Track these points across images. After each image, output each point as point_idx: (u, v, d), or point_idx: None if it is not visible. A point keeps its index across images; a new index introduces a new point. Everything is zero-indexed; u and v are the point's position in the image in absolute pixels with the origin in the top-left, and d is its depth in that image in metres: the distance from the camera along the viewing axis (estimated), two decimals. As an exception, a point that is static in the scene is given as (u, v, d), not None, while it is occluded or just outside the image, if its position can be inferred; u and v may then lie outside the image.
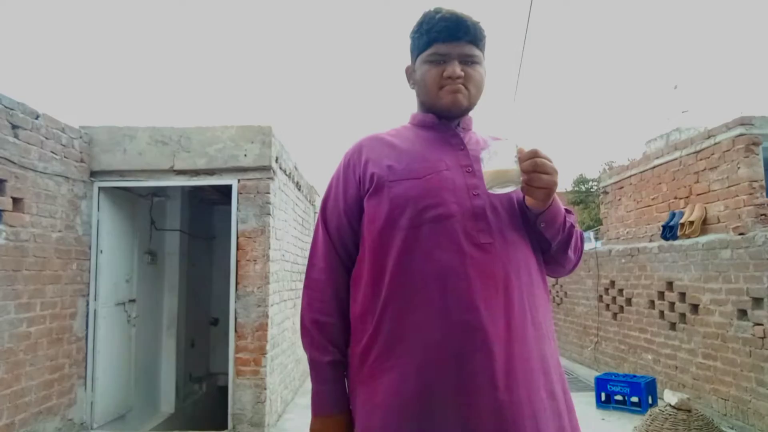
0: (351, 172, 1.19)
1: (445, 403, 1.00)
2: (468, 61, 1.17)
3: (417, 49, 1.21)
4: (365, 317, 1.10)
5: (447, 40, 1.15)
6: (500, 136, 1.26)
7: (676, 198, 5.43)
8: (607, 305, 6.28)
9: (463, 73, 1.15)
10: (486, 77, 1.22)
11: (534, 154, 1.04)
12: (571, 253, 1.20)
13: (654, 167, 5.84)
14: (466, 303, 1.02)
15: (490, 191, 1.06)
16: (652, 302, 5.29)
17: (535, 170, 1.03)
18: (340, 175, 1.22)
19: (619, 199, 6.72)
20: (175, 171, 4.22)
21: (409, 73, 1.27)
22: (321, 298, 1.17)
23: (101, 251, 4.14)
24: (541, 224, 1.12)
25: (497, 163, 1.03)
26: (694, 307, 4.65)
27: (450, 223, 1.07)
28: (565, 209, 1.17)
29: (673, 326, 4.98)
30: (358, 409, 1.11)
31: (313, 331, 1.16)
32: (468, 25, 1.16)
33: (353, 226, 1.18)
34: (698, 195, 5.04)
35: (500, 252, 1.07)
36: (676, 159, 5.37)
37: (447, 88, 1.16)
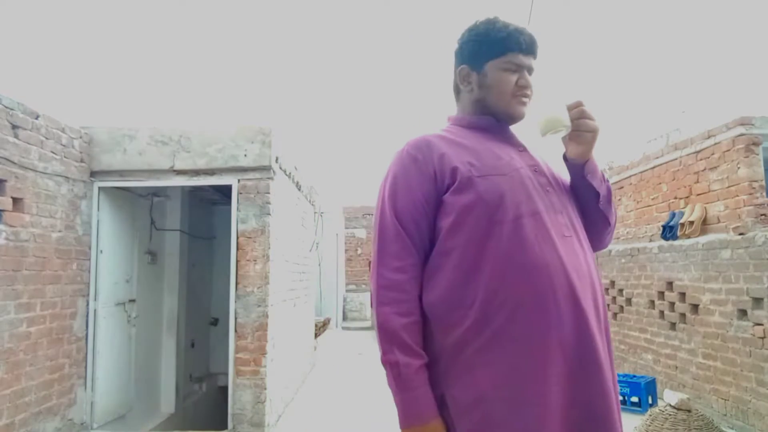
0: (423, 167, 1.19)
1: (559, 388, 1.06)
2: (532, 73, 1.27)
3: (487, 55, 1.26)
4: (456, 309, 1.11)
5: (523, 52, 1.24)
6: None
7: (676, 198, 5.43)
8: (607, 305, 6.26)
9: (530, 84, 1.26)
10: None
11: (579, 103, 1.19)
12: (613, 207, 1.31)
13: (654, 167, 5.84)
14: (573, 299, 1.10)
15: (544, 137, 1.18)
16: (652, 302, 5.29)
17: (582, 116, 1.18)
18: (408, 170, 1.20)
19: (619, 199, 6.72)
20: (175, 171, 4.22)
21: (466, 74, 1.30)
22: (406, 298, 1.14)
23: (101, 251, 4.14)
24: (587, 174, 1.23)
25: (548, 112, 1.17)
26: (694, 307, 4.65)
27: (541, 217, 1.14)
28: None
29: (673, 326, 4.98)
30: (456, 400, 1.09)
31: (404, 335, 1.11)
32: (537, 42, 1.27)
33: (430, 221, 1.18)
34: (698, 195, 5.04)
35: (577, 244, 1.18)
36: (676, 159, 5.37)
37: (519, 98, 1.25)
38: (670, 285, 4.99)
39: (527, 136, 1.33)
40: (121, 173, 4.21)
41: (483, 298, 1.09)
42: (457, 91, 1.35)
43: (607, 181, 1.29)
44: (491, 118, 1.28)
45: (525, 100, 1.25)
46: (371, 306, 1.20)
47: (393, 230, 1.18)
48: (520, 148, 1.27)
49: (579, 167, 1.23)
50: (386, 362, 1.12)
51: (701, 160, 5.01)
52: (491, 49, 1.25)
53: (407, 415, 1.09)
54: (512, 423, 1.05)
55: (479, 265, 1.11)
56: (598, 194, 1.25)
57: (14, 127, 3.33)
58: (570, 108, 1.18)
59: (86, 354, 4.01)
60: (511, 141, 1.28)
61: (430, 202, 1.18)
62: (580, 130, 1.19)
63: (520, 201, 1.14)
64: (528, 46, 1.24)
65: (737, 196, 4.50)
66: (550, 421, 1.05)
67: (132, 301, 4.62)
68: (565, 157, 1.26)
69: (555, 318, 1.08)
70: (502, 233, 1.11)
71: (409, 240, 1.17)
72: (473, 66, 1.28)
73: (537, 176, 1.21)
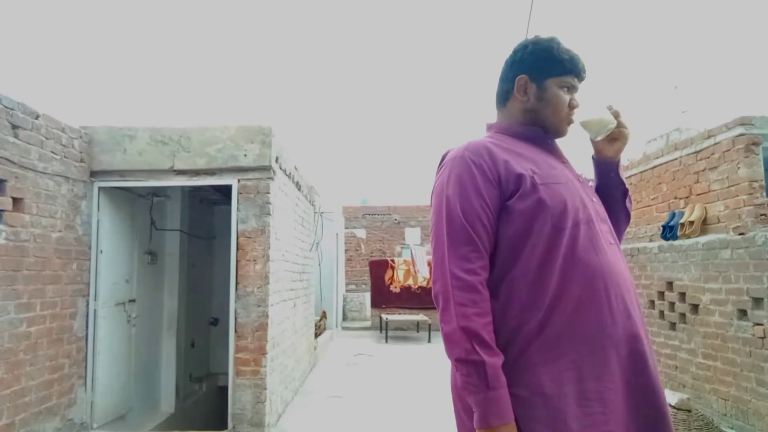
0: (487, 171, 1.24)
1: (616, 384, 1.16)
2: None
3: (549, 71, 1.34)
4: (524, 311, 1.18)
5: (579, 77, 1.37)
6: None
7: (676, 198, 5.42)
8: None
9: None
10: None
11: (618, 112, 1.36)
12: (629, 202, 1.47)
13: (654, 167, 5.84)
14: (624, 306, 1.19)
15: (595, 138, 1.38)
16: (652, 302, 5.29)
17: (620, 116, 1.36)
18: (473, 173, 1.24)
19: (619, 199, 6.71)
20: (175, 171, 4.22)
21: (524, 83, 1.37)
22: (482, 299, 1.17)
23: (101, 251, 4.14)
24: (613, 174, 1.41)
25: (596, 115, 1.35)
26: (694, 307, 4.65)
27: (594, 226, 1.24)
28: None
29: (673, 326, 4.98)
30: (518, 398, 1.14)
31: (485, 335, 1.14)
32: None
33: (494, 224, 1.23)
34: (698, 195, 5.04)
35: (618, 251, 1.28)
36: (676, 159, 5.37)
37: (568, 117, 1.37)
38: (670, 285, 4.99)
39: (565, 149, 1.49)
40: (121, 173, 4.21)
41: (549, 301, 1.16)
42: (505, 98, 1.41)
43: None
44: (540, 129, 1.37)
45: (572, 119, 1.37)
46: (438, 306, 1.21)
47: (463, 232, 1.21)
48: (564, 160, 1.37)
49: (613, 165, 1.40)
50: (470, 362, 1.13)
51: (701, 160, 5.00)
52: (555, 67, 1.34)
53: (488, 414, 1.11)
54: (576, 418, 1.12)
55: (546, 269, 1.18)
56: (626, 191, 1.43)
57: (14, 127, 3.33)
58: (615, 114, 1.35)
59: (86, 354, 4.01)
60: (556, 153, 1.37)
61: (495, 206, 1.23)
62: (622, 128, 1.36)
63: (578, 209, 1.23)
64: (583, 73, 1.37)
65: (737, 196, 4.50)
66: (611, 413, 1.14)
67: (132, 301, 4.62)
68: (594, 159, 1.43)
69: (609, 320, 1.17)
70: (564, 239, 1.19)
71: (479, 242, 1.20)
72: (533, 78, 1.35)
73: (583, 186, 1.32)
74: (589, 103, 1.36)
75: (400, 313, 11.13)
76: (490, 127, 1.43)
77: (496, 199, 1.23)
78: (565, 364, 1.14)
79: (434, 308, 1.32)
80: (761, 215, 4.33)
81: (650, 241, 5.77)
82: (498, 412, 1.11)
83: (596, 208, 1.30)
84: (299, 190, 5.77)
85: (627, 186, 1.45)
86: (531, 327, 1.16)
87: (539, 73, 1.35)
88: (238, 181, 4.20)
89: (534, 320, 1.16)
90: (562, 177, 1.28)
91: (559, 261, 1.18)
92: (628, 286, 1.23)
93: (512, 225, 1.22)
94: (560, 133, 1.38)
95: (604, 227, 1.27)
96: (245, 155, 4.19)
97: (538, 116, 1.36)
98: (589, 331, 1.16)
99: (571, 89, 1.36)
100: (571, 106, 1.36)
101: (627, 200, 1.44)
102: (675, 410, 3.60)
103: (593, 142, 1.41)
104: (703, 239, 4.62)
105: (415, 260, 10.65)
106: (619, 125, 1.36)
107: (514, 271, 1.20)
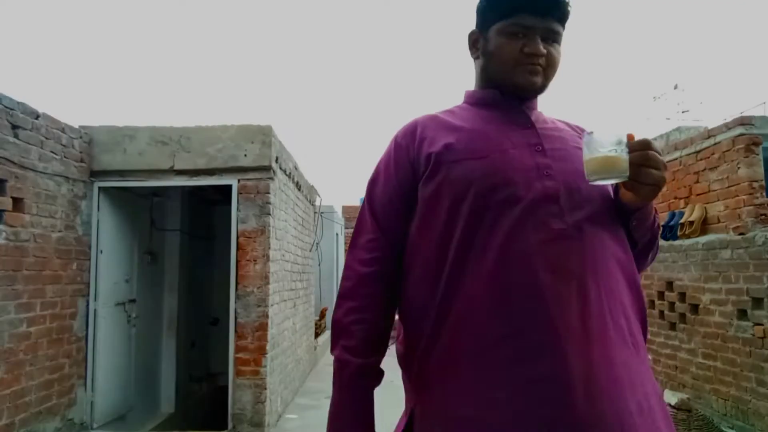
0: (404, 154, 1.07)
1: (512, 414, 0.87)
2: (550, 38, 1.04)
3: (493, 15, 1.06)
4: (420, 318, 0.98)
5: (534, 12, 1.02)
6: (576, 123, 1.16)
7: (676, 198, 5.42)
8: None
9: (545, 52, 1.03)
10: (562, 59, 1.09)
11: (646, 146, 0.90)
12: (651, 256, 1.09)
13: (654, 167, 5.84)
14: (532, 300, 0.89)
15: (591, 182, 0.93)
16: (652, 302, 5.28)
17: (645, 164, 0.89)
18: (390, 157, 1.09)
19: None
20: (175, 171, 4.21)
21: (475, 40, 1.12)
22: (365, 293, 1.03)
23: (101, 251, 4.14)
24: (633, 222, 0.99)
25: (602, 152, 0.90)
26: (694, 307, 4.65)
27: (517, 208, 0.94)
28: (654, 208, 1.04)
29: (673, 326, 4.98)
30: (417, 418, 0.98)
31: (354, 331, 1.01)
32: (562, 2, 1.04)
33: (405, 214, 1.05)
34: (698, 195, 5.04)
35: (576, 240, 0.93)
36: (676, 159, 5.37)
37: (525, 67, 1.03)
38: (670, 285, 4.99)
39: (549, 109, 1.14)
40: (121, 173, 4.20)
41: (437, 309, 0.96)
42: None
43: (658, 227, 1.07)
44: (495, 91, 1.10)
45: (534, 69, 1.03)
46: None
47: (365, 221, 1.09)
48: (527, 125, 1.05)
49: (629, 212, 1.00)
50: (334, 359, 1.03)
51: (701, 160, 5.00)
52: (494, 10, 1.06)
53: (331, 418, 1.02)
54: None
55: (439, 269, 0.96)
56: (648, 244, 1.06)
57: (14, 127, 3.33)
58: (631, 150, 0.90)
59: (86, 354, 4.01)
60: (516, 118, 1.07)
61: (407, 193, 1.05)
62: (639, 181, 0.90)
63: (491, 188, 0.95)
64: (541, 5, 1.02)
65: (737, 196, 4.50)
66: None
67: (132, 301, 4.62)
68: (615, 194, 1.02)
69: (504, 328, 0.90)
70: (461, 229, 0.96)
71: (380, 233, 1.05)
72: (482, 30, 1.10)
73: (537, 156, 1.00)
74: (606, 134, 0.91)
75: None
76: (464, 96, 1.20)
77: (409, 185, 1.04)
78: (453, 388, 0.92)
79: None
80: (761, 215, 4.33)
81: (650, 241, 5.77)
82: (339, 421, 1.01)
83: (546, 183, 0.97)
84: (299, 190, 5.77)
85: (647, 238, 1.05)
86: (426, 336, 0.97)
87: (483, 22, 1.09)
88: (238, 181, 4.20)
89: (428, 328, 0.97)
90: (494, 148, 1.00)
91: (451, 256, 0.95)
92: (560, 287, 0.90)
93: (416, 216, 1.03)
94: (518, 88, 1.06)
95: (548, 208, 0.94)
96: (245, 155, 4.19)
97: (488, 75, 1.11)
98: (480, 349, 0.91)
99: (528, 32, 1.02)
100: (527, 53, 1.02)
101: (641, 256, 1.06)
102: (675, 410, 3.60)
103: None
104: (703, 239, 4.62)
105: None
106: (638, 177, 0.90)
107: (413, 272, 1.02)
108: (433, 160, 1.01)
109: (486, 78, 1.12)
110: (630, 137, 0.91)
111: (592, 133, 0.92)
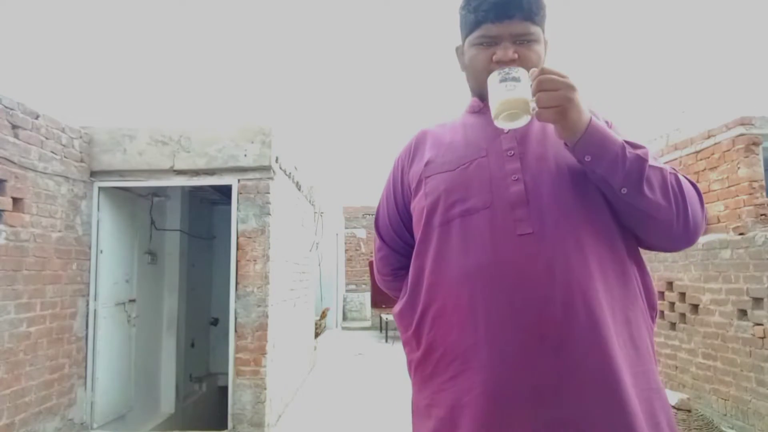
0: (399, 174, 1.17)
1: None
2: (523, 40, 1.03)
3: (465, 30, 1.08)
4: (407, 327, 1.07)
5: (496, 20, 1.01)
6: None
7: (676, 198, 5.42)
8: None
9: (516, 56, 1.01)
10: (546, 54, 1.08)
11: (538, 73, 0.88)
12: (654, 195, 0.90)
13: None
14: (495, 309, 0.90)
15: (497, 124, 0.92)
16: (652, 302, 5.29)
17: (541, 89, 0.87)
18: (390, 178, 1.20)
19: (619, 199, 6.71)
20: (175, 171, 4.22)
21: (459, 54, 1.15)
22: (386, 288, 1.30)
23: (101, 251, 4.14)
24: (586, 158, 0.90)
25: (501, 91, 0.90)
26: (694, 307, 4.65)
27: (479, 217, 0.95)
28: (631, 143, 0.93)
29: (673, 326, 4.98)
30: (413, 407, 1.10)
31: (381, 266, 1.27)
32: (517, 1, 1.01)
33: (407, 227, 1.17)
34: (698, 195, 5.04)
35: (545, 243, 0.91)
36: (676, 159, 5.37)
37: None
38: (670, 285, 4.99)
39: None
40: (121, 173, 4.20)
41: (417, 320, 1.03)
42: None
43: (637, 159, 0.90)
44: (476, 99, 1.14)
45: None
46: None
47: (377, 240, 1.26)
48: (504, 131, 1.02)
49: (577, 152, 0.91)
50: (384, 275, 1.29)
51: (701, 160, 5.00)
52: (466, 23, 1.07)
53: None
54: None
55: (421, 280, 1.03)
56: (613, 188, 0.92)
57: (14, 127, 3.33)
58: (533, 83, 0.89)
59: (86, 354, 4.01)
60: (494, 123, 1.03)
61: (404, 211, 1.16)
62: (541, 107, 0.88)
63: (456, 200, 0.98)
64: (502, 11, 1.00)
65: (737, 196, 4.50)
66: None
67: (132, 301, 4.62)
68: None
69: (470, 337, 0.93)
70: (434, 242, 1.01)
71: (388, 249, 1.23)
72: (462, 43, 1.13)
73: (507, 162, 0.99)
74: (511, 72, 0.91)
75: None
76: None
77: (402, 203, 1.16)
78: (430, 393, 1.00)
79: None
80: (761, 215, 4.33)
81: (650, 241, 5.77)
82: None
83: (512, 189, 0.95)
84: (299, 190, 5.77)
85: (621, 173, 0.90)
86: (411, 346, 1.07)
87: (462, 36, 1.12)
88: (238, 181, 4.20)
89: (413, 339, 1.05)
90: (465, 159, 1.02)
91: (428, 269, 1.01)
92: (525, 291, 0.89)
93: (414, 226, 1.13)
94: None
95: (513, 213, 0.93)
96: (245, 155, 4.19)
97: (471, 86, 1.15)
98: (451, 356, 0.96)
99: (496, 40, 1.02)
100: (497, 60, 1.01)
101: (636, 197, 0.91)
102: (675, 410, 3.60)
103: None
104: (703, 239, 4.62)
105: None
106: (539, 103, 0.88)
107: (407, 282, 1.11)
108: (417, 176, 1.09)
109: (470, 88, 1.17)
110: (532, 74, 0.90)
111: (495, 74, 0.93)
